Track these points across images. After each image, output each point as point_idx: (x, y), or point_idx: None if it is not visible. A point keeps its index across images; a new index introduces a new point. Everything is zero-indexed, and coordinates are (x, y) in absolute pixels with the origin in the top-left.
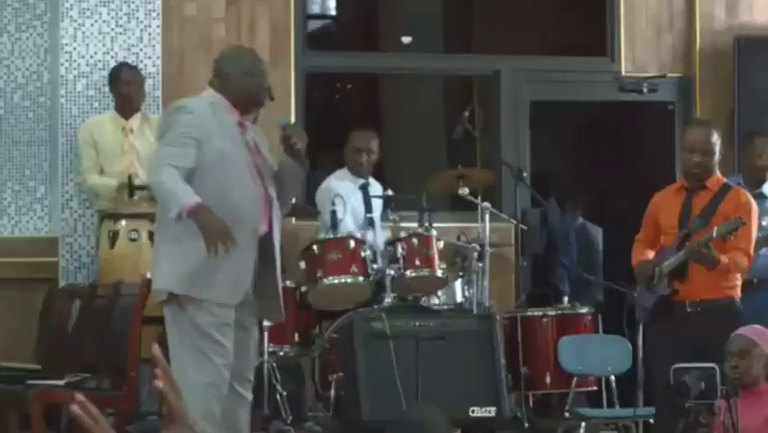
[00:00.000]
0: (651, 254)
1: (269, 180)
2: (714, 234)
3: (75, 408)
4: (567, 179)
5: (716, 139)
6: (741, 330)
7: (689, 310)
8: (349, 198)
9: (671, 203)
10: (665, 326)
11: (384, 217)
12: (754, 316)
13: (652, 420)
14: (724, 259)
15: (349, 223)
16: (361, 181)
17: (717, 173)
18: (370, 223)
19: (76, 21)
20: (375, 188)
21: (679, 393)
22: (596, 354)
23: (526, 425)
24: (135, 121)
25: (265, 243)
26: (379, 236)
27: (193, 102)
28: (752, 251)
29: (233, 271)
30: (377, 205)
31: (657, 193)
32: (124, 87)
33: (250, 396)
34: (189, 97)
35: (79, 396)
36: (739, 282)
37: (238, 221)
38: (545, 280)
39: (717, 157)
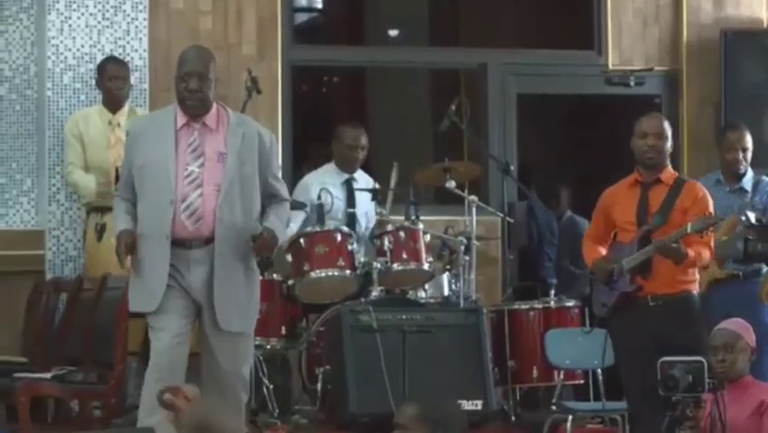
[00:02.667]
0: (603, 251)
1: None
2: (689, 230)
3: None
4: (553, 171)
5: (667, 126)
6: (724, 324)
7: (651, 304)
8: (333, 194)
9: (625, 198)
10: (628, 321)
11: (371, 210)
12: (743, 310)
13: (619, 416)
14: (691, 253)
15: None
16: (346, 176)
17: (669, 166)
18: (350, 219)
19: (62, 14)
20: (363, 181)
21: (667, 387)
22: (582, 348)
23: (513, 418)
24: (122, 115)
25: (210, 251)
26: (371, 224)
27: (135, 121)
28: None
29: (144, 278)
30: (365, 198)
31: (608, 189)
32: (109, 82)
33: (238, 397)
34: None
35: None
36: (697, 277)
37: (148, 228)
38: (532, 274)
39: (669, 144)
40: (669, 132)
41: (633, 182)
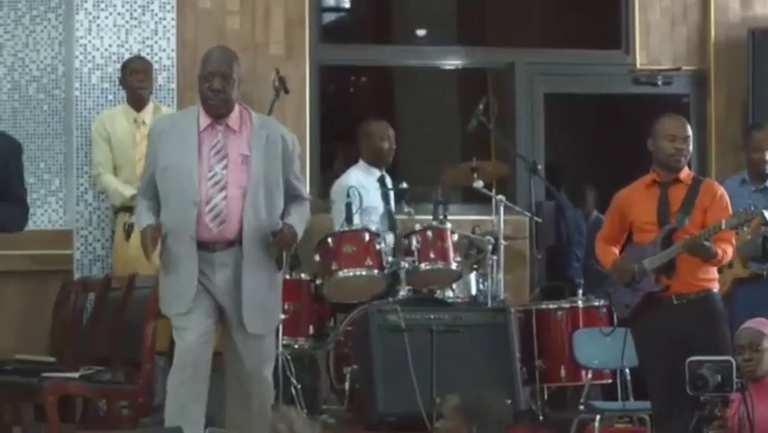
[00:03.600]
0: (616, 252)
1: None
2: (723, 226)
3: None
4: (580, 171)
5: (690, 128)
6: (749, 323)
7: (675, 304)
8: (368, 193)
9: (643, 199)
10: (652, 321)
11: (398, 210)
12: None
13: (647, 415)
14: (719, 251)
15: (368, 218)
16: (379, 174)
17: (686, 166)
18: (389, 216)
19: (90, 13)
20: (389, 184)
21: (696, 386)
22: (610, 348)
23: (541, 418)
24: (147, 113)
25: (234, 254)
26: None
27: (157, 122)
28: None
29: (173, 280)
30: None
31: (621, 190)
32: (131, 76)
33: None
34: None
35: None
36: (717, 275)
37: (174, 229)
38: (560, 274)
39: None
40: (691, 135)
41: (650, 182)
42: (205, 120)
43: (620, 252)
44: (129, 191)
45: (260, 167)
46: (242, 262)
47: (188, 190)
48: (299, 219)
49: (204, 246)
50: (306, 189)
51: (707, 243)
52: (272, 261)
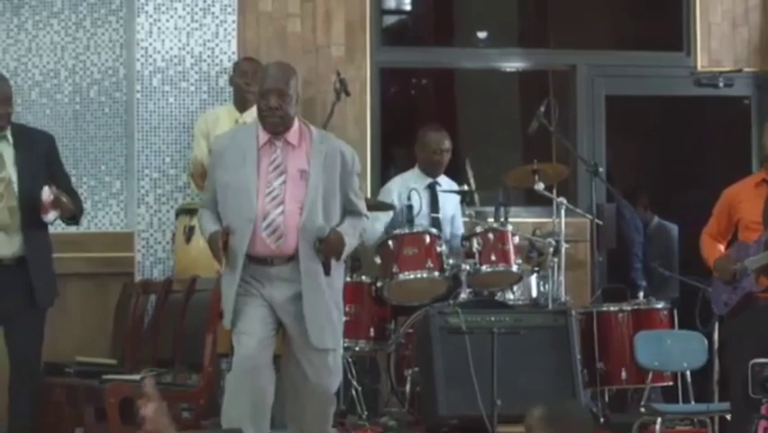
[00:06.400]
0: (722, 249)
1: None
2: None
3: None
4: (642, 173)
5: None
6: None
7: None
8: (418, 198)
9: (751, 197)
10: (746, 321)
11: (461, 213)
12: None
13: (728, 416)
14: None
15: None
16: (429, 181)
17: None
18: (435, 223)
19: (151, 16)
20: (446, 185)
21: (763, 388)
22: (672, 350)
23: (602, 420)
24: (250, 114)
25: (294, 269)
26: (459, 230)
27: (218, 138)
28: None
29: (224, 293)
30: (452, 201)
31: (731, 187)
32: (239, 78)
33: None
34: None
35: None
36: None
37: (231, 244)
38: (621, 276)
39: None
40: None
41: (759, 181)
42: (263, 136)
43: (726, 248)
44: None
45: (319, 182)
46: (299, 277)
47: (245, 207)
48: (352, 230)
49: (262, 261)
50: (364, 206)
51: None
52: (332, 275)
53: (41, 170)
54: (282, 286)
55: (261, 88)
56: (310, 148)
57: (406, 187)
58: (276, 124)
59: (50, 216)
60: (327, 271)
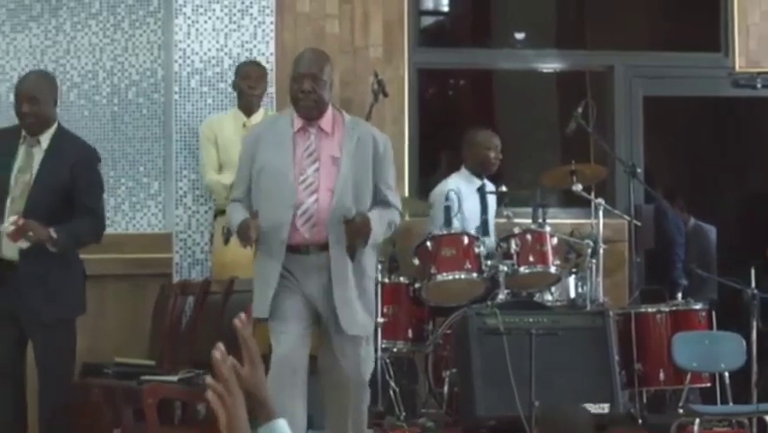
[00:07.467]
0: None
1: (339, 186)
2: None
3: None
4: (680, 174)
5: None
6: None
7: None
8: (467, 201)
9: None
10: None
11: (497, 214)
12: None
13: (750, 418)
14: None
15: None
16: (479, 183)
17: None
18: (484, 225)
19: (189, 17)
20: (490, 187)
21: None
22: (710, 351)
23: (640, 421)
24: (257, 118)
25: (328, 257)
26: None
27: (254, 126)
28: None
29: (259, 284)
30: (491, 203)
31: None
32: (242, 81)
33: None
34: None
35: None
36: None
37: (264, 233)
38: (660, 277)
39: None
40: None
41: None
42: (298, 122)
43: None
44: (228, 180)
45: (349, 168)
46: (337, 265)
47: (285, 193)
48: (379, 217)
49: (297, 250)
50: (397, 200)
51: None
52: (362, 263)
53: (62, 180)
54: (318, 275)
55: (295, 73)
56: (343, 134)
57: (458, 189)
58: (310, 108)
59: (20, 243)
60: (353, 257)
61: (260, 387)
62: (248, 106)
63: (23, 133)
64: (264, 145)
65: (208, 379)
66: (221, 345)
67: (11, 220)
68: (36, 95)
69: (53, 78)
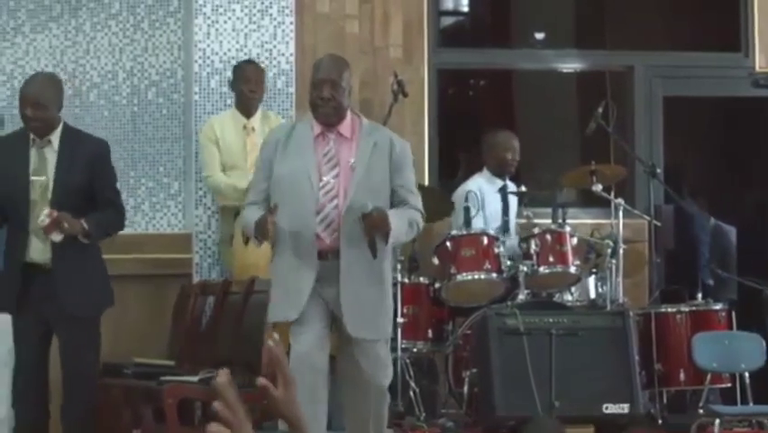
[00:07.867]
0: None
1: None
2: None
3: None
4: (698, 175)
5: None
6: None
7: None
8: (489, 202)
9: None
10: None
11: (517, 214)
12: None
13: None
14: None
15: (485, 226)
16: (500, 184)
17: None
18: (505, 226)
19: (209, 18)
20: (511, 187)
21: None
22: (730, 351)
23: (660, 422)
24: (256, 120)
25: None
26: (513, 236)
27: (273, 131)
28: None
29: (287, 287)
30: (512, 204)
31: None
32: (243, 84)
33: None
34: None
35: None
36: None
37: (288, 238)
38: (680, 277)
39: None
40: None
41: None
42: (317, 128)
43: None
44: (243, 183)
45: (363, 173)
46: (347, 269)
47: (308, 198)
48: (398, 215)
49: (318, 255)
50: (418, 201)
51: None
52: (377, 267)
53: (81, 178)
54: (335, 280)
55: (314, 79)
56: (359, 138)
57: (480, 190)
58: (329, 115)
59: (54, 236)
60: (374, 254)
61: (292, 408)
62: (247, 108)
63: (32, 136)
64: (284, 151)
65: (215, 404)
66: (226, 371)
67: (45, 212)
68: (41, 100)
69: (59, 81)
